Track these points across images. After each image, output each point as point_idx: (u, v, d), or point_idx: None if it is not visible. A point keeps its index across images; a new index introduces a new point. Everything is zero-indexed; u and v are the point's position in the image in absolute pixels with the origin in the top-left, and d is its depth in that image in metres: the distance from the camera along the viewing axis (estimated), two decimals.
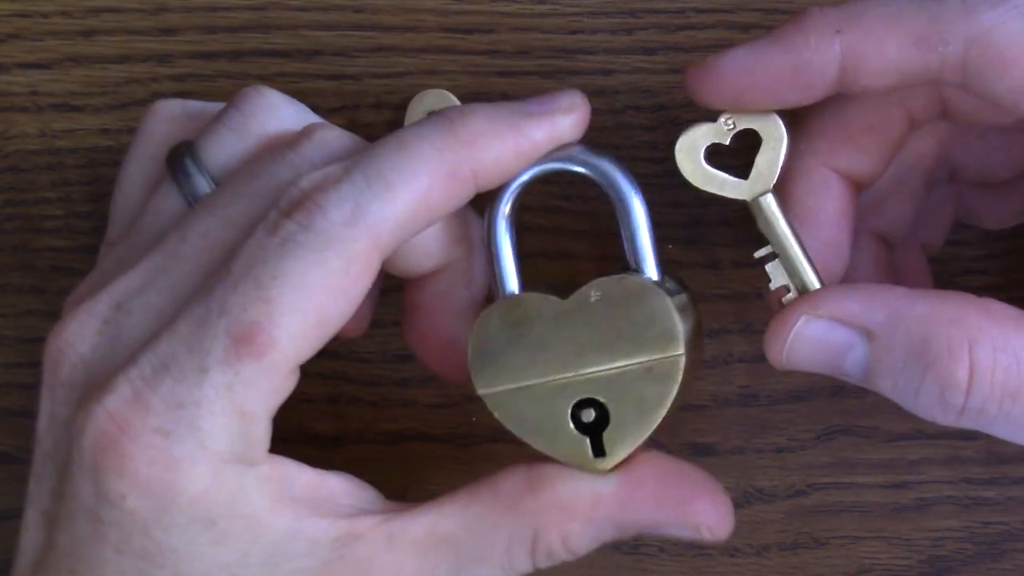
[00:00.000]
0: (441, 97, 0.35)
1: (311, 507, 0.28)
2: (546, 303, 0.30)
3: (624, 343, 0.29)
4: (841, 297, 0.29)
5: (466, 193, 0.28)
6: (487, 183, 0.28)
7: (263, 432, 0.27)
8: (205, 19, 0.35)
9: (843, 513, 0.35)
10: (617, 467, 0.30)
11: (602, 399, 0.29)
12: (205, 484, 0.26)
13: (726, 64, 0.29)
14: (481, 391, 0.30)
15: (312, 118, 0.30)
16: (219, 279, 0.27)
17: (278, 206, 0.27)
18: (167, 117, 0.31)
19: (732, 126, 0.30)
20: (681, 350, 0.29)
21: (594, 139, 0.34)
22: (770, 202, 0.30)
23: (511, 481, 0.30)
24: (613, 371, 0.29)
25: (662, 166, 0.35)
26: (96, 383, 0.27)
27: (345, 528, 0.28)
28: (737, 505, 0.35)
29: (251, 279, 0.26)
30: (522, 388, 0.30)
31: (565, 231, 0.35)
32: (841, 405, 0.35)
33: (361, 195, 0.27)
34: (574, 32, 0.35)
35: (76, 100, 0.35)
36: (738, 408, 0.35)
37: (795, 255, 0.30)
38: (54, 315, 0.35)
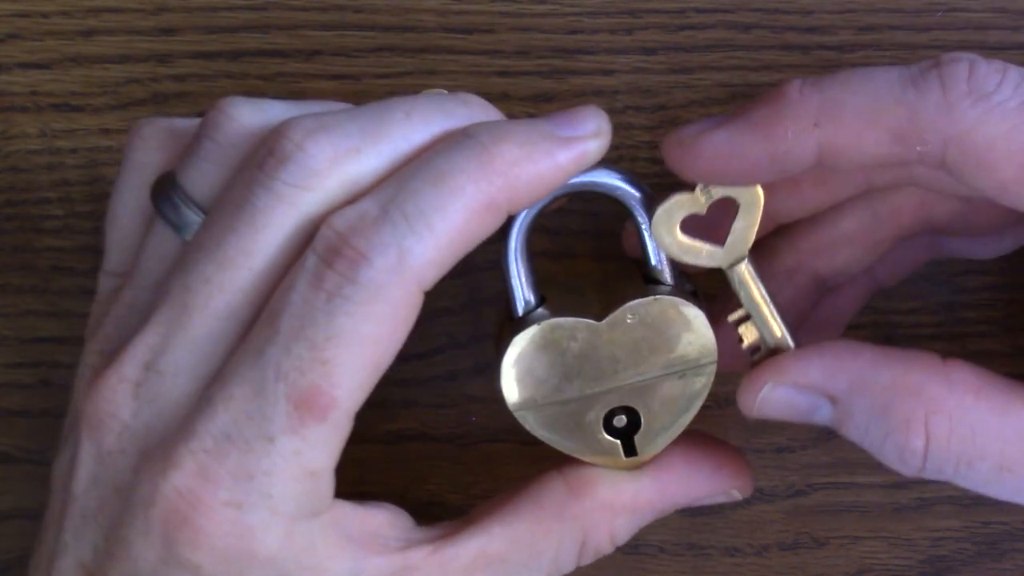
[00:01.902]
0: None
1: (365, 546, 0.28)
2: (580, 327, 0.30)
3: (659, 357, 0.30)
4: (805, 365, 0.30)
5: (501, 220, 0.28)
6: (519, 208, 0.28)
7: (329, 486, 0.28)
8: (205, 19, 0.35)
9: (843, 513, 0.36)
10: (647, 462, 0.31)
11: (634, 406, 0.31)
12: (278, 545, 0.27)
13: (704, 146, 0.29)
14: (516, 410, 0.30)
15: (281, 113, 0.29)
16: (266, 339, 0.26)
17: (316, 251, 0.26)
18: (153, 141, 0.30)
19: (709, 196, 0.30)
20: (714, 358, 0.30)
21: None
22: (745, 268, 0.31)
23: (551, 490, 0.30)
24: (647, 380, 0.30)
25: (662, 166, 0.35)
26: (151, 452, 0.27)
27: (400, 563, 0.29)
28: (737, 505, 0.36)
29: (304, 340, 0.26)
30: (556, 403, 0.30)
31: (567, 231, 0.35)
32: None
33: (404, 239, 0.26)
34: (574, 32, 0.35)
35: (76, 100, 0.35)
36: (738, 408, 0.35)
37: (768, 319, 0.31)
38: (54, 315, 0.36)
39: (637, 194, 0.30)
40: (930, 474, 0.29)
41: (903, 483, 0.35)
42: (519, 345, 0.30)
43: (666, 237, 0.30)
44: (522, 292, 0.30)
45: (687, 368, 0.30)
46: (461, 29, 0.35)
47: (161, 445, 0.27)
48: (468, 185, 0.27)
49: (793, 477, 0.36)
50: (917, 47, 0.34)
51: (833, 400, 0.29)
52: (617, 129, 0.35)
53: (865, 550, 0.36)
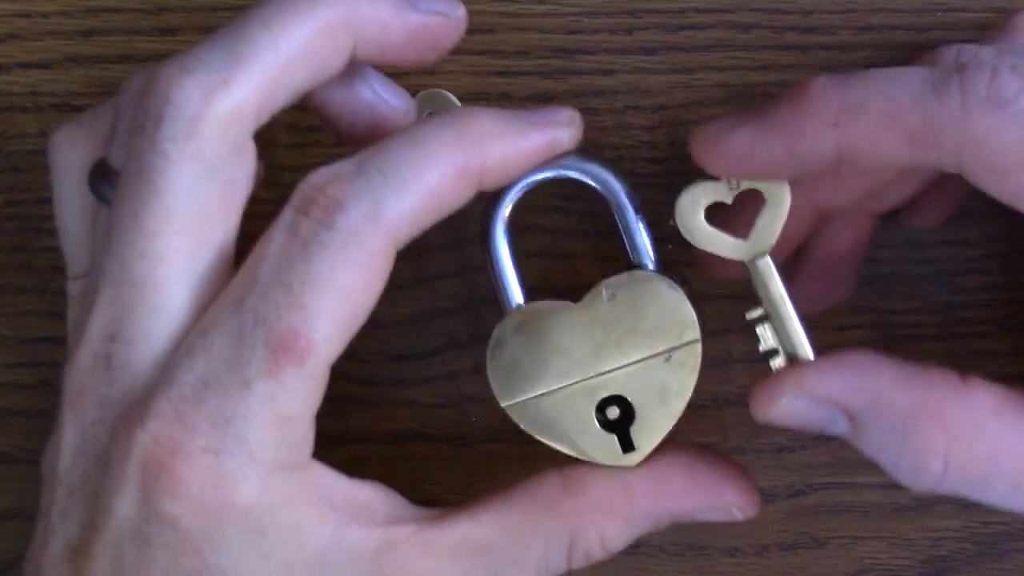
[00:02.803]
0: (441, 97, 0.35)
1: (350, 515, 0.29)
2: (559, 309, 0.30)
3: (640, 337, 0.30)
4: (825, 379, 0.29)
5: (473, 190, 0.29)
6: (492, 183, 0.29)
7: (306, 435, 0.28)
8: (205, 19, 0.35)
9: (843, 513, 0.36)
10: (645, 460, 0.30)
11: (625, 395, 0.30)
12: (255, 495, 0.27)
13: (728, 142, 0.29)
14: (504, 403, 0.30)
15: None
16: (245, 288, 0.27)
17: (292, 205, 0.27)
18: (67, 143, 0.31)
19: (736, 186, 0.30)
20: (698, 335, 0.30)
21: (594, 139, 0.35)
22: (767, 264, 0.30)
23: (546, 485, 0.30)
24: (633, 366, 0.30)
25: (662, 166, 0.35)
26: (129, 410, 0.27)
27: (382, 536, 0.29)
28: None
29: (281, 286, 0.27)
30: (545, 395, 0.30)
31: (565, 231, 0.35)
32: None
33: (379, 191, 0.27)
34: (574, 32, 0.35)
35: (76, 100, 0.35)
36: (738, 408, 0.36)
37: (787, 319, 0.30)
38: (54, 315, 0.36)
39: (616, 182, 0.31)
40: (944, 492, 0.29)
41: None
42: (498, 335, 0.31)
43: (690, 223, 0.30)
44: (507, 291, 0.31)
45: (671, 348, 0.30)
46: None
47: (139, 402, 0.27)
48: (443, 149, 0.28)
49: (793, 477, 0.36)
50: (917, 47, 0.34)
51: (851, 416, 0.29)
52: (617, 129, 0.35)
53: (865, 550, 0.36)
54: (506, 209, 0.31)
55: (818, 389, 0.29)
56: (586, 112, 0.35)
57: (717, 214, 0.31)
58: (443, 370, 0.36)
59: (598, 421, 0.30)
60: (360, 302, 0.27)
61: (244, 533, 0.27)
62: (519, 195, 0.31)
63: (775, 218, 0.30)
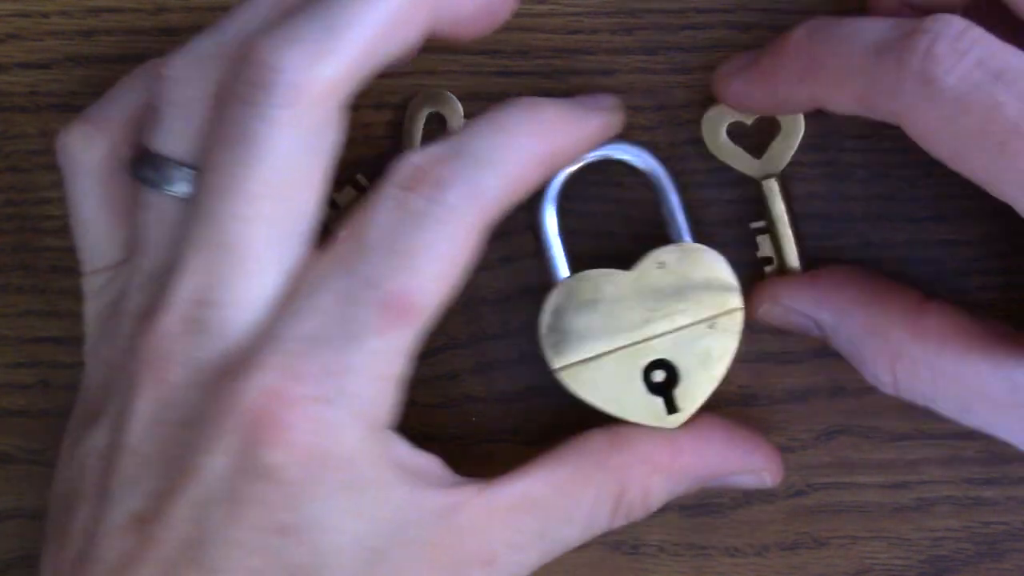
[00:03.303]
0: (441, 97, 0.35)
1: (419, 477, 0.30)
2: (611, 276, 0.33)
3: (687, 304, 0.33)
4: (796, 293, 0.33)
5: (548, 174, 0.31)
6: (559, 167, 0.32)
7: (396, 399, 0.29)
8: (205, 19, 0.35)
9: (843, 513, 0.36)
10: (687, 423, 0.33)
11: (670, 359, 0.32)
12: (354, 448, 0.28)
13: (730, 86, 0.33)
14: (555, 367, 0.32)
15: (207, 46, 0.30)
16: (353, 253, 0.28)
17: (395, 183, 0.29)
18: (83, 141, 0.31)
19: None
20: (740, 304, 0.33)
21: None
22: (774, 185, 0.34)
23: (595, 442, 0.32)
24: (678, 332, 0.32)
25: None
26: (228, 368, 0.28)
27: (448, 499, 0.30)
28: (737, 505, 0.36)
29: (394, 251, 0.28)
30: (594, 358, 0.32)
31: (565, 230, 0.35)
32: (841, 405, 0.35)
33: (476, 174, 0.29)
34: (574, 32, 0.35)
35: (76, 100, 0.35)
36: (738, 408, 0.36)
37: (783, 235, 0.34)
38: (54, 315, 0.36)
39: (658, 164, 0.33)
40: (907, 400, 0.32)
41: (903, 483, 0.36)
42: (552, 302, 0.33)
43: (712, 137, 0.34)
44: (555, 264, 0.33)
45: (716, 315, 0.32)
46: None
47: (239, 360, 0.28)
48: (526, 138, 0.30)
49: (793, 477, 0.36)
50: None
51: (820, 327, 0.33)
52: None
53: (865, 550, 0.36)
54: (555, 192, 0.33)
55: (789, 300, 0.33)
56: None
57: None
58: (443, 370, 0.36)
59: (644, 384, 0.32)
60: (457, 274, 0.29)
61: (339, 486, 0.28)
62: (567, 178, 0.33)
63: (787, 146, 0.34)
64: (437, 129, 0.35)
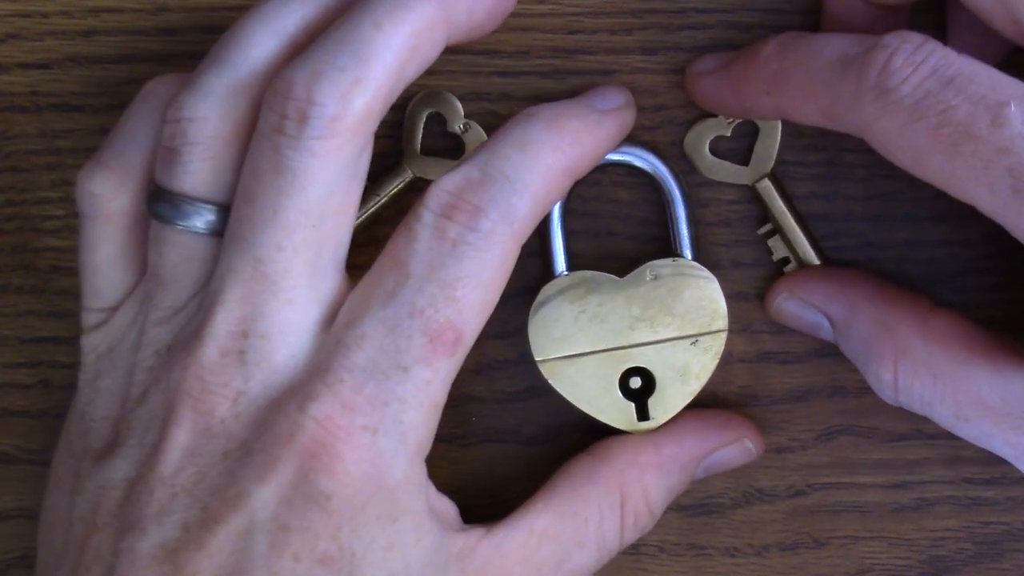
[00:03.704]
0: (441, 97, 0.35)
1: (443, 518, 0.31)
2: (604, 280, 0.33)
3: (673, 318, 0.33)
4: (812, 285, 0.34)
5: (570, 184, 0.32)
6: (582, 174, 0.32)
7: (436, 426, 0.30)
8: (205, 19, 0.35)
9: (843, 513, 0.36)
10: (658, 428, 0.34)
11: (649, 368, 0.33)
12: (401, 476, 0.29)
13: (699, 85, 0.34)
14: (538, 359, 0.33)
15: (220, 84, 0.30)
16: (396, 282, 0.29)
17: (431, 208, 0.29)
18: (109, 191, 0.31)
19: (732, 119, 0.34)
20: (726, 326, 0.33)
21: None
22: (768, 185, 0.34)
23: (580, 464, 0.33)
24: (661, 343, 0.33)
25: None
26: (278, 400, 0.28)
27: (464, 541, 0.31)
28: (737, 505, 0.36)
29: (436, 281, 0.29)
30: (577, 356, 0.33)
31: (566, 230, 0.35)
32: (841, 405, 0.35)
33: (509, 196, 0.29)
34: (574, 32, 0.35)
35: (76, 100, 0.35)
36: (738, 408, 0.36)
37: (791, 230, 0.34)
38: (54, 315, 0.36)
39: (671, 174, 0.34)
40: (906, 406, 0.32)
41: (903, 483, 0.36)
42: (546, 294, 0.33)
43: (697, 157, 0.35)
44: (555, 257, 0.34)
45: (700, 333, 0.33)
46: None
47: (289, 391, 0.28)
48: (548, 154, 0.30)
49: (793, 477, 0.36)
50: None
51: (831, 322, 0.33)
52: None
53: (865, 550, 0.36)
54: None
55: (804, 293, 0.34)
56: None
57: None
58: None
59: (620, 389, 0.33)
60: (495, 298, 0.30)
61: (382, 516, 0.28)
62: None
63: (770, 145, 0.34)
64: (437, 130, 0.35)
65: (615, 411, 0.34)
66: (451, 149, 0.35)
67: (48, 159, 0.36)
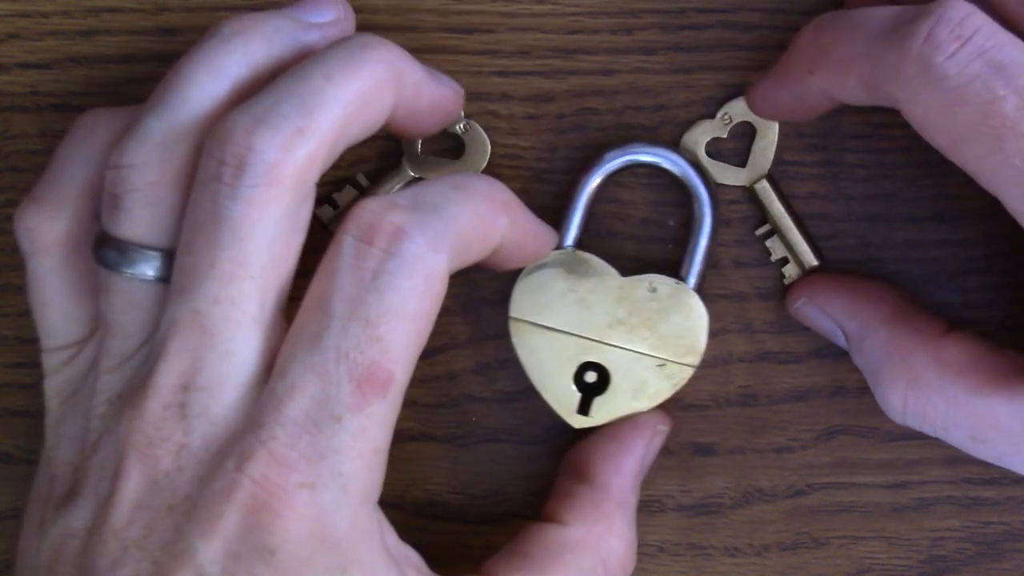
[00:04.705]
0: None
1: (403, 568, 0.30)
2: (605, 271, 0.34)
3: (652, 335, 0.33)
4: (830, 297, 0.34)
5: (495, 245, 0.31)
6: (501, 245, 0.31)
7: (383, 470, 0.29)
8: (205, 19, 0.35)
9: (843, 513, 0.36)
10: (581, 432, 0.34)
11: (609, 370, 0.33)
12: (346, 528, 0.28)
13: (756, 93, 0.34)
14: (512, 314, 0.34)
15: (162, 126, 0.30)
16: (319, 324, 0.28)
17: (351, 233, 0.28)
18: (45, 225, 0.31)
19: (729, 120, 0.34)
20: (697, 363, 0.34)
21: (594, 139, 0.35)
22: (766, 186, 0.34)
23: (546, 531, 0.33)
24: (631, 352, 0.33)
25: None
26: (218, 454, 0.28)
27: None
28: (737, 505, 0.36)
29: (358, 320, 0.27)
30: (548, 329, 0.33)
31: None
32: (841, 405, 0.35)
33: (436, 222, 0.28)
34: (574, 32, 0.35)
35: (76, 100, 0.35)
36: (738, 408, 0.36)
37: (789, 231, 0.34)
38: None
39: (710, 201, 0.34)
40: (914, 427, 0.32)
41: (903, 483, 0.36)
42: (545, 260, 0.34)
43: (693, 160, 0.34)
44: (568, 230, 0.34)
45: (670, 359, 0.33)
46: (461, 29, 0.35)
47: (228, 445, 0.28)
48: (484, 200, 0.30)
49: (793, 477, 0.36)
50: None
51: (845, 335, 0.33)
52: (617, 129, 0.35)
53: (865, 550, 0.36)
54: (600, 173, 0.34)
55: (822, 303, 0.34)
56: (586, 112, 0.35)
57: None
58: (443, 370, 0.36)
59: (574, 377, 0.33)
60: (425, 329, 0.28)
61: (331, 568, 0.28)
62: (620, 166, 0.34)
63: (768, 143, 0.35)
64: None
65: (560, 395, 0.34)
66: (451, 149, 0.35)
67: (48, 159, 0.35)
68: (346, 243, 0.28)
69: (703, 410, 0.36)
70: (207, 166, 0.28)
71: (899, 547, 0.36)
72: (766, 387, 0.36)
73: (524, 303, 0.34)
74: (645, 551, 0.36)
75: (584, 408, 0.34)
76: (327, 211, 0.36)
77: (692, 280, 0.34)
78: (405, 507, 0.36)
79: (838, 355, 0.35)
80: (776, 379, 0.36)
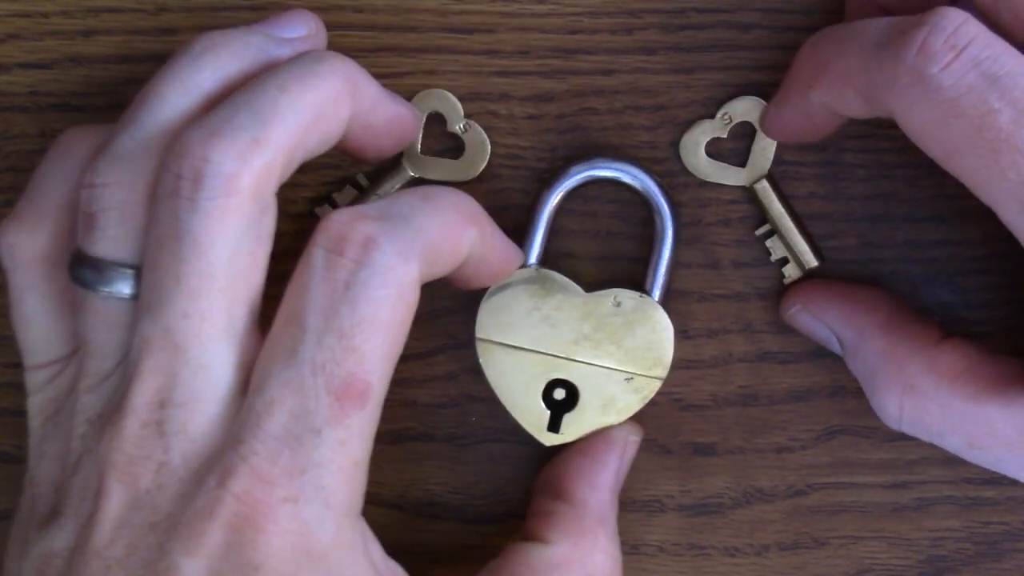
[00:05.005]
0: (441, 97, 0.35)
1: None
2: (569, 288, 0.34)
3: (619, 349, 0.33)
4: (824, 304, 0.34)
5: (462, 257, 0.30)
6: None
7: (365, 481, 0.29)
8: (205, 19, 0.35)
9: (843, 513, 0.36)
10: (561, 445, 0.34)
11: (577, 386, 0.34)
12: (330, 541, 0.28)
13: (766, 118, 0.34)
14: (479, 335, 0.34)
15: (128, 143, 0.30)
16: (293, 338, 0.28)
17: (321, 245, 0.28)
18: (25, 241, 0.31)
19: (729, 120, 0.35)
20: (664, 375, 0.34)
21: (594, 139, 0.35)
22: (766, 186, 0.34)
23: (530, 552, 0.33)
24: (598, 368, 0.33)
25: (662, 166, 0.35)
26: (200, 471, 0.28)
27: None
28: (737, 505, 0.36)
29: (332, 332, 0.27)
30: (515, 348, 0.33)
31: (566, 231, 0.35)
32: (841, 405, 0.36)
33: (405, 231, 0.28)
34: (574, 32, 0.35)
35: (76, 100, 0.35)
36: (738, 408, 0.36)
37: (789, 231, 0.34)
38: None
39: (671, 214, 0.34)
40: (910, 434, 0.32)
41: (903, 483, 0.36)
42: (509, 280, 0.34)
43: (692, 160, 0.35)
44: (532, 248, 0.34)
45: (637, 373, 0.34)
46: (461, 29, 0.35)
47: (208, 462, 0.28)
48: (452, 211, 0.30)
49: (793, 477, 0.36)
50: None
51: (840, 343, 0.34)
52: (617, 129, 0.35)
53: (865, 550, 0.36)
54: (559, 191, 0.34)
55: (816, 310, 0.34)
56: (586, 112, 0.35)
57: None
58: (443, 370, 0.36)
59: (543, 395, 0.34)
60: (400, 338, 0.28)
61: None
62: (576, 184, 0.34)
63: (767, 145, 0.35)
64: (437, 130, 0.35)
65: (530, 414, 0.34)
66: (451, 149, 0.36)
67: None
68: (316, 255, 0.28)
69: (703, 410, 0.36)
70: (165, 181, 0.28)
71: (899, 547, 0.36)
72: (766, 387, 0.36)
73: (489, 323, 0.34)
74: (645, 551, 0.36)
75: (554, 425, 0.34)
76: (327, 211, 0.36)
77: (656, 293, 0.34)
78: (405, 507, 0.36)
79: (838, 355, 0.35)
80: (776, 379, 0.36)
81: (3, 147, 0.36)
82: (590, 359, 0.33)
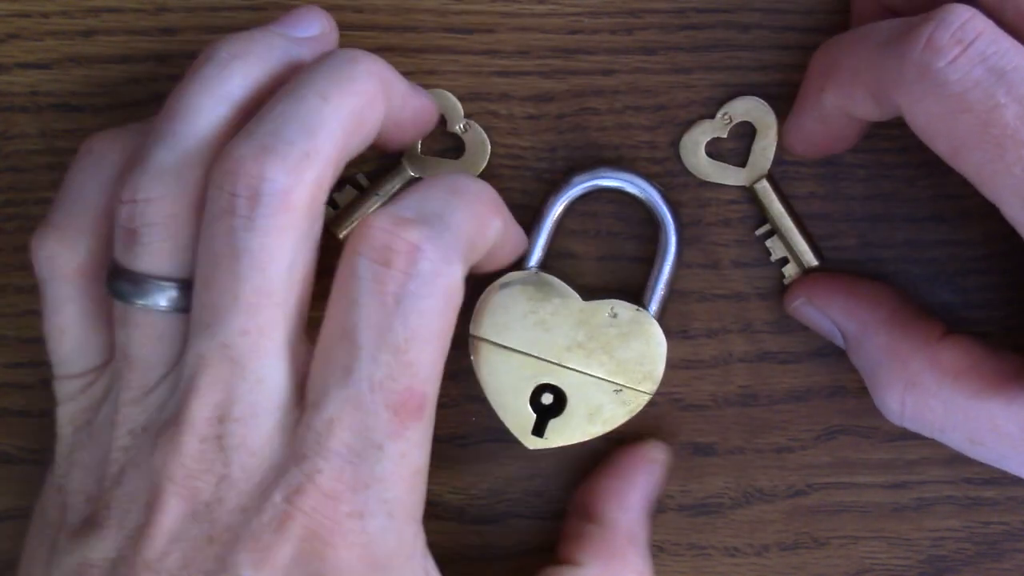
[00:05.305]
0: (441, 97, 0.35)
1: None
2: (568, 295, 0.34)
3: (610, 360, 0.33)
4: (828, 298, 0.34)
5: (489, 245, 0.31)
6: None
7: (425, 487, 0.29)
8: (205, 19, 0.35)
9: (843, 513, 0.36)
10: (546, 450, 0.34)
11: (566, 393, 0.33)
12: (393, 547, 0.28)
13: (787, 131, 0.34)
14: (473, 332, 0.34)
15: (173, 157, 0.30)
16: (349, 355, 0.28)
17: (365, 255, 0.28)
18: (63, 252, 0.31)
19: (729, 120, 0.35)
20: (653, 391, 0.34)
21: (594, 139, 0.35)
22: (766, 185, 0.34)
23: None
24: (588, 376, 0.33)
25: (662, 166, 0.35)
26: (263, 485, 0.28)
27: None
28: (737, 505, 0.36)
29: (387, 348, 0.28)
30: (507, 348, 0.34)
31: (566, 231, 0.35)
32: (841, 405, 0.36)
33: (445, 234, 0.28)
34: (574, 32, 0.35)
35: (76, 100, 0.35)
36: (738, 408, 0.36)
37: (789, 231, 0.34)
38: None
39: (675, 228, 0.34)
40: (912, 430, 0.32)
41: (903, 483, 0.36)
42: (509, 281, 0.34)
43: (691, 160, 0.35)
44: (535, 251, 0.34)
45: (626, 385, 0.33)
46: (461, 29, 0.35)
47: (270, 475, 0.28)
48: (480, 203, 0.30)
49: (793, 477, 0.36)
50: None
51: (844, 337, 0.34)
52: (617, 129, 0.35)
53: (865, 550, 0.36)
54: (566, 195, 0.34)
55: (820, 303, 0.34)
56: (586, 112, 0.35)
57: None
58: (443, 370, 0.36)
59: (531, 398, 0.34)
60: (448, 339, 0.29)
61: None
62: (585, 191, 0.34)
63: (767, 145, 0.35)
64: (437, 130, 0.35)
65: (516, 415, 0.34)
66: (451, 149, 0.36)
67: (48, 159, 0.36)
68: (361, 265, 0.28)
69: (703, 410, 0.36)
70: (217, 199, 0.28)
71: (899, 547, 0.36)
72: (766, 387, 0.36)
73: (485, 322, 0.34)
74: None
75: (539, 430, 0.34)
76: (328, 211, 0.36)
77: (653, 307, 0.34)
78: None
79: (838, 355, 0.35)
80: (776, 379, 0.36)
81: (3, 147, 0.36)
82: (581, 367, 0.33)
